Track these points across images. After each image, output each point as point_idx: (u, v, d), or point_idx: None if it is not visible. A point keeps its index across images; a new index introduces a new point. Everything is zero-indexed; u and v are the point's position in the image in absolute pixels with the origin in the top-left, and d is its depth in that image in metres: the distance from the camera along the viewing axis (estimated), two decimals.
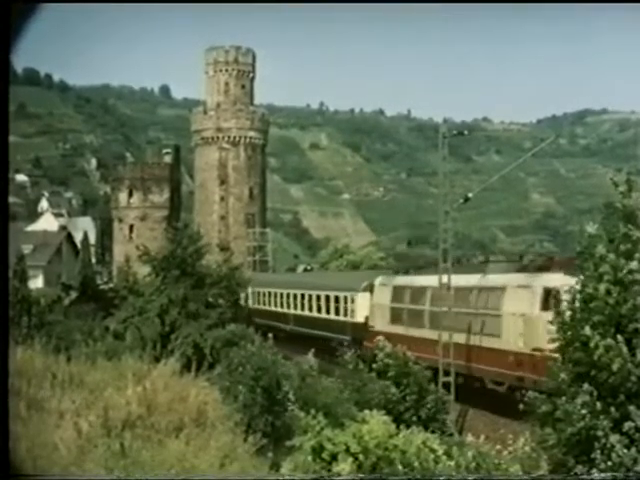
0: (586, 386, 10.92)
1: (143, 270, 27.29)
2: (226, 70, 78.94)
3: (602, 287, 11.18)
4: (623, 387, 10.82)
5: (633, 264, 11.05)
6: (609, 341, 10.74)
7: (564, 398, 11.30)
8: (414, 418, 21.08)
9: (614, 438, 10.52)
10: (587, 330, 10.98)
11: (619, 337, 10.81)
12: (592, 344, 10.89)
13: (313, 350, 25.07)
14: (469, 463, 13.07)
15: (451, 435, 21.34)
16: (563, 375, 11.45)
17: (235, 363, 16.28)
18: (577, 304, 11.70)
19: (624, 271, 11.09)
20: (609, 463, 10.36)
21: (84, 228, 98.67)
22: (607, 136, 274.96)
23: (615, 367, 10.64)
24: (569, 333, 11.72)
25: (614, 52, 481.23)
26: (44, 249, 72.20)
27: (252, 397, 14.49)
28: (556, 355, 12.33)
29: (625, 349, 10.68)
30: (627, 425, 10.59)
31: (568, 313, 11.84)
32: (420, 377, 23.07)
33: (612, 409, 10.72)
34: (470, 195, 29.97)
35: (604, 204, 12.26)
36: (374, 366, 23.82)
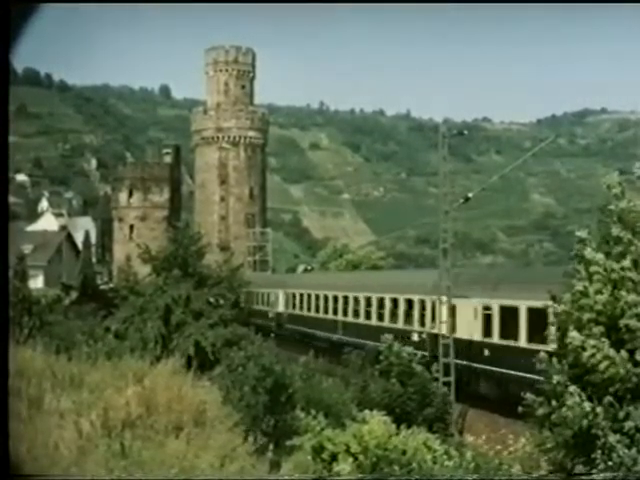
0: (573, 388, 10.97)
1: (143, 270, 27.29)
2: (226, 70, 78.96)
3: (593, 287, 11.28)
4: (612, 387, 10.86)
5: (625, 262, 11.14)
6: (595, 342, 10.82)
7: (560, 401, 11.33)
8: (419, 418, 21.15)
9: (614, 438, 10.54)
10: (574, 333, 11.06)
11: (604, 339, 10.88)
12: (579, 342, 10.97)
13: (313, 351, 25.13)
14: (469, 463, 13.08)
15: (452, 435, 21.38)
16: (558, 377, 11.47)
17: (236, 363, 16.27)
18: (569, 305, 11.77)
19: (616, 270, 11.19)
20: (609, 463, 10.38)
21: (84, 228, 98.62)
22: (607, 136, 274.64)
23: (602, 367, 10.70)
24: (564, 335, 11.77)
25: (614, 52, 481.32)
26: (44, 249, 72.17)
27: (255, 397, 14.49)
28: None
29: (612, 351, 10.75)
30: (627, 425, 10.61)
31: (563, 315, 11.90)
32: (424, 377, 23.14)
33: (599, 410, 10.75)
34: (470, 195, 29.96)
35: (599, 207, 12.29)
36: (378, 366, 23.88)
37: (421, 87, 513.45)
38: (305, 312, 40.39)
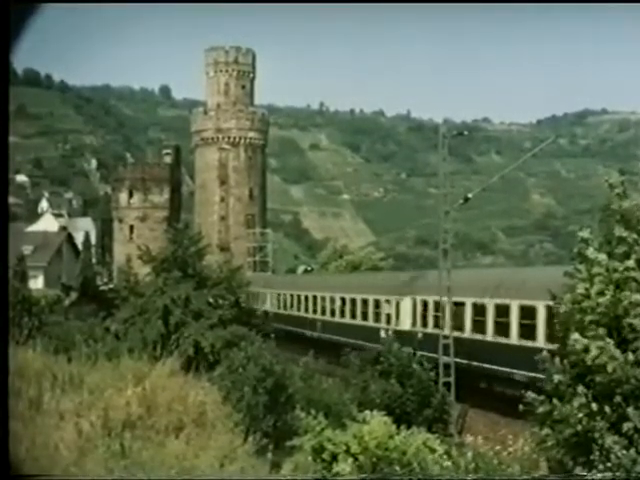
0: (581, 388, 10.95)
1: (144, 270, 27.28)
2: (226, 70, 78.95)
3: (595, 288, 11.25)
4: (620, 389, 10.84)
5: (629, 262, 11.13)
6: (601, 343, 10.79)
7: (562, 400, 11.31)
8: (419, 418, 21.14)
9: (611, 439, 10.52)
10: (576, 335, 11.05)
11: (609, 339, 10.86)
12: (582, 346, 10.94)
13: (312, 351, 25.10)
14: (469, 464, 13.06)
15: (451, 436, 21.36)
16: (559, 377, 11.46)
17: (236, 364, 16.26)
18: (570, 306, 11.75)
19: (619, 270, 11.16)
20: (608, 464, 10.36)
21: (84, 229, 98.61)
22: (607, 136, 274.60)
23: (610, 368, 10.68)
24: (565, 336, 11.75)
25: (614, 52, 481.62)
26: (44, 250, 72.02)
27: (255, 398, 14.48)
28: None
29: (618, 352, 10.73)
30: (626, 426, 10.59)
31: (564, 316, 11.88)
32: (424, 377, 23.11)
33: (607, 410, 10.73)
34: (470, 195, 29.94)
35: (601, 207, 12.26)
36: (378, 367, 23.83)
37: (421, 87, 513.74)
38: (477, 335, 24.83)
